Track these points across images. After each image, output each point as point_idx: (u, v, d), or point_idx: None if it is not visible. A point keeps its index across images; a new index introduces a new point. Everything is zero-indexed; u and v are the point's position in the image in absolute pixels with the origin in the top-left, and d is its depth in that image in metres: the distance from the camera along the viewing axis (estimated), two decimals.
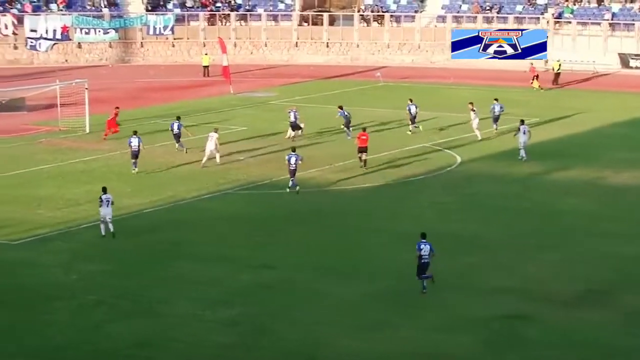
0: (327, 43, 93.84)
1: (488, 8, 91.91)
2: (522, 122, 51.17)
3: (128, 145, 48.09)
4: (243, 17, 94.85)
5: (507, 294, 31.48)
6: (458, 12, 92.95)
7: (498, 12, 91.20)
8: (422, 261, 31.25)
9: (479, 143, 54.64)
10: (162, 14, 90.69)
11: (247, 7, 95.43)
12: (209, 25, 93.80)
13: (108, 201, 37.21)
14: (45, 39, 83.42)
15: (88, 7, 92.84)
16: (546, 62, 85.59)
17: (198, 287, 32.19)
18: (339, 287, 32.16)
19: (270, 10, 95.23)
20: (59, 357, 27.32)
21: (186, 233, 38.31)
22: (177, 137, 52.31)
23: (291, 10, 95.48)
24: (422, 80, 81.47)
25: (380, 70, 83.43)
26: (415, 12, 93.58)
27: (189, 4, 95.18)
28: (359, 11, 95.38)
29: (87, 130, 57.96)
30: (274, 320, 29.39)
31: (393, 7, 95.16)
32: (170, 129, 52.85)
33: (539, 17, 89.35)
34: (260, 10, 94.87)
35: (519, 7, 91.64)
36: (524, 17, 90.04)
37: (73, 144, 55.23)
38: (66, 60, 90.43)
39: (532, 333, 28.44)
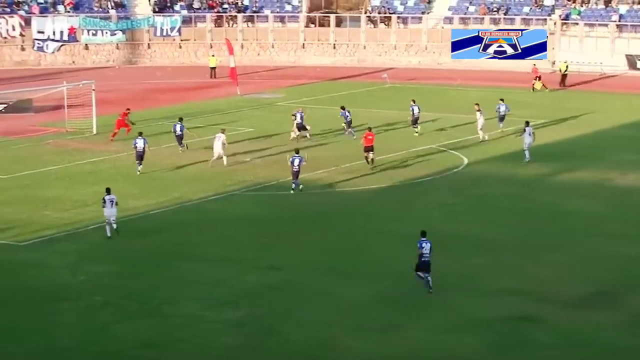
0: (334, 44, 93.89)
1: (495, 9, 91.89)
2: (527, 123, 51.16)
3: (133, 146, 48.18)
4: (250, 19, 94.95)
5: (513, 295, 31.49)
6: (465, 13, 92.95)
7: (505, 14, 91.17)
8: (423, 259, 31.36)
9: (485, 144, 54.63)
10: (169, 16, 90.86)
11: (254, 9, 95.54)
12: (216, 26, 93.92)
13: (112, 202, 37.25)
14: (53, 40, 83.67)
15: (95, 9, 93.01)
16: (553, 63, 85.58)
17: (204, 288, 32.24)
18: (345, 288, 32.18)
19: (277, 12, 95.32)
20: (65, 358, 27.38)
21: (192, 234, 38.36)
22: (180, 138, 52.39)
23: (298, 12, 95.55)
24: (429, 81, 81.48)
25: (387, 72, 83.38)
26: (422, 13, 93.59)
27: (196, 5, 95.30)
28: (365, 12, 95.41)
29: (94, 132, 58.07)
30: (280, 321, 29.43)
31: (400, 8, 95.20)
32: (172, 130, 52.93)
33: (545, 19, 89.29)
34: (267, 12, 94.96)
35: (525, 9, 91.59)
36: (531, 19, 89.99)
37: (80, 145, 55.33)
38: (73, 62, 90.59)
39: (538, 334, 28.43)
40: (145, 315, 30.00)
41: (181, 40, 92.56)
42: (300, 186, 44.00)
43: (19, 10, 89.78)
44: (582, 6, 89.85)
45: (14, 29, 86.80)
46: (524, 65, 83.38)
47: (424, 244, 31.45)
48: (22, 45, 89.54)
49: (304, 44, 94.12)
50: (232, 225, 39.64)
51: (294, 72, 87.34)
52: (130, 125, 55.28)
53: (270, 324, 29.24)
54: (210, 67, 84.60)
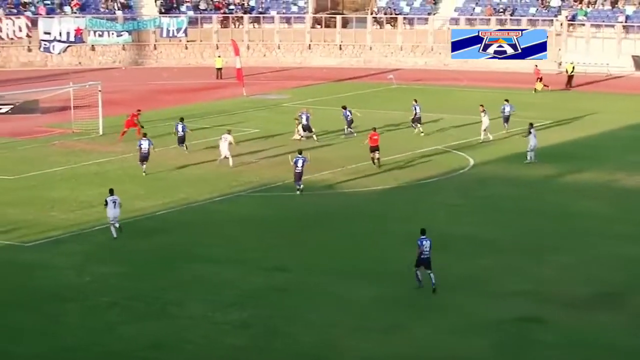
0: (340, 45, 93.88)
1: (501, 10, 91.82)
2: (531, 125, 51.10)
3: (138, 147, 48.22)
4: (256, 20, 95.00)
5: (518, 296, 31.45)
6: (471, 14, 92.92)
7: (511, 15, 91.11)
8: (423, 256, 31.51)
9: (491, 145, 54.61)
10: (175, 17, 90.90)
11: (260, 10, 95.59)
12: (222, 27, 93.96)
13: (114, 202, 37.23)
14: (59, 41, 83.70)
15: (101, 10, 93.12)
16: (560, 64, 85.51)
17: (210, 289, 32.25)
18: (351, 289, 32.17)
19: (283, 13, 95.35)
20: (70, 359, 27.36)
21: (198, 235, 38.37)
22: (182, 139, 52.39)
23: (304, 13, 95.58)
24: (435, 82, 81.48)
25: (393, 73, 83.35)
26: (429, 14, 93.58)
27: (202, 6, 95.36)
28: (372, 13, 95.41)
29: (101, 133, 58.13)
30: (286, 323, 29.42)
31: (406, 9, 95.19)
32: (174, 130, 52.91)
33: (552, 20, 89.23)
34: (273, 13, 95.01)
35: (532, 10, 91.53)
36: (538, 20, 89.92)
37: (86, 146, 55.37)
38: (80, 63, 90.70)
39: (542, 335, 28.40)
40: (151, 316, 30.00)
41: (187, 41, 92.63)
42: (301, 186, 43.97)
43: (25, 11, 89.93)
44: (588, 7, 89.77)
45: (20, 30, 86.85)
46: (527, 66, 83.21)
47: (424, 242, 31.65)
48: (28, 46, 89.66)
49: (310, 44, 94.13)
50: (238, 226, 39.65)
51: (300, 73, 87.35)
52: (140, 127, 55.29)
53: (276, 324, 29.24)
54: (217, 68, 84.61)
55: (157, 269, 34.38)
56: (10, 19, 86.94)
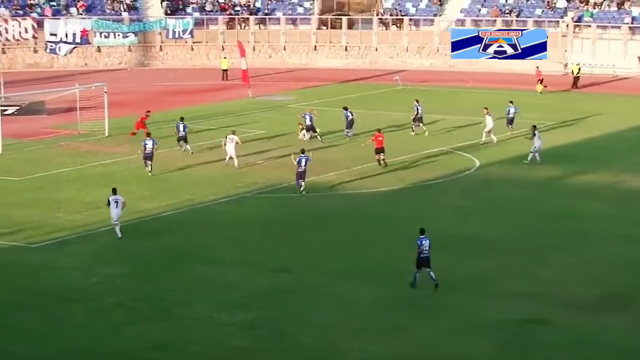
0: (346, 47, 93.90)
1: (507, 12, 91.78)
2: (535, 127, 51.07)
3: (142, 147, 48.32)
4: (262, 21, 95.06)
5: (524, 298, 31.47)
6: (477, 15, 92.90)
7: (517, 16, 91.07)
8: (422, 256, 31.64)
9: (496, 147, 54.62)
10: (181, 18, 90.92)
11: (266, 11, 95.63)
12: (228, 29, 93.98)
13: (116, 202, 37.31)
14: (65, 42, 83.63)
15: (108, 11, 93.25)
16: (566, 65, 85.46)
17: (215, 290, 32.31)
18: (356, 290, 32.21)
19: (289, 14, 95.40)
20: (75, 359, 27.48)
21: (203, 236, 38.44)
22: (184, 138, 52.47)
23: (310, 14, 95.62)
24: (440, 83, 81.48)
25: (399, 74, 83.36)
26: (434, 15, 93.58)
27: (208, 7, 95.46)
28: (377, 15, 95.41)
29: (107, 134, 58.23)
30: (290, 324, 29.47)
31: (412, 10, 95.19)
32: (176, 130, 52.96)
33: (558, 21, 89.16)
34: (279, 14, 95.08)
35: (538, 11, 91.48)
36: (544, 21, 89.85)
37: (92, 147, 55.47)
38: (86, 64, 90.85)
39: (547, 336, 28.42)
40: (156, 317, 30.06)
41: (193, 43, 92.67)
42: (303, 185, 44.03)
43: (31, 12, 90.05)
44: (594, 8, 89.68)
45: (26, 32, 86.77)
46: (529, 67, 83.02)
47: (423, 242, 31.79)
48: (34, 48, 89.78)
49: (315, 46, 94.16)
50: (243, 227, 39.70)
51: (306, 74, 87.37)
52: (147, 129, 55.42)
53: (281, 326, 29.28)
54: (222, 69, 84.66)
55: (163, 270, 34.45)
56: (16, 20, 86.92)
